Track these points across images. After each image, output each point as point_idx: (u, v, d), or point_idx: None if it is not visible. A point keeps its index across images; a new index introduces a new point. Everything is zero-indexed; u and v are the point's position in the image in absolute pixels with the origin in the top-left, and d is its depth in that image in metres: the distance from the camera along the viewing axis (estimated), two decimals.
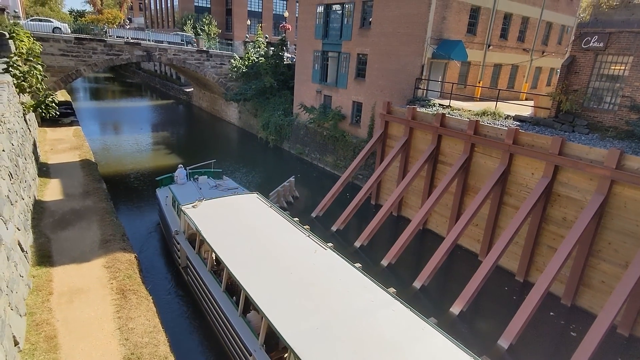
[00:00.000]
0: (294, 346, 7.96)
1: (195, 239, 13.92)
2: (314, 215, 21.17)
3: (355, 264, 11.03)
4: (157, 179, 19.29)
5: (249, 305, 10.60)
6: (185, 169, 18.37)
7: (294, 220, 13.52)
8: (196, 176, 18.02)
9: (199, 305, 13.36)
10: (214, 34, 52.21)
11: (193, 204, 14.20)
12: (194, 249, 13.79)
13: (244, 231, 12.62)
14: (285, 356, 9.92)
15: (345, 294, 9.68)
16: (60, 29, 32.91)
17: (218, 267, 12.79)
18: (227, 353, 11.28)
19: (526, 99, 25.45)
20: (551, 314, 14.46)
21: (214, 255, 12.52)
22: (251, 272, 10.47)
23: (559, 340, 13.53)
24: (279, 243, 11.98)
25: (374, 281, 10.27)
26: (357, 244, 18.32)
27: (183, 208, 14.08)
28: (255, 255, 11.24)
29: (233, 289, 11.52)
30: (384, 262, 16.77)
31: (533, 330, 13.53)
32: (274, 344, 9.87)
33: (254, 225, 13.06)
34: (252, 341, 9.99)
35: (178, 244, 14.71)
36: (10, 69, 19.56)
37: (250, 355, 9.71)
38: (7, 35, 22.85)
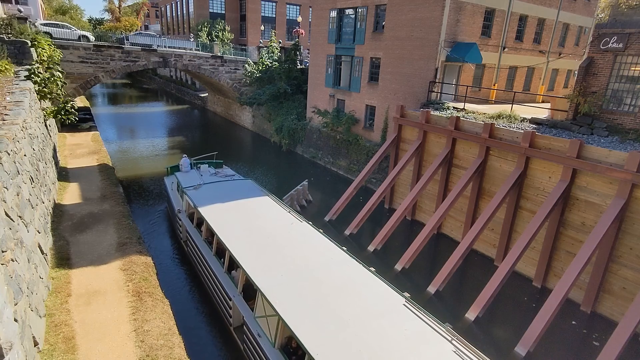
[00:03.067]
0: (260, 286, 10.18)
1: (194, 216, 16.11)
2: (327, 219, 21.15)
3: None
4: (165, 167, 21.93)
5: (232, 264, 12.66)
6: (190, 159, 20.43)
7: (279, 200, 16.03)
8: (199, 165, 20.26)
9: (196, 269, 15.46)
10: (228, 39, 52.83)
11: (194, 187, 16.83)
12: (193, 224, 16.01)
13: (234, 208, 15.01)
14: None
15: (311, 254, 11.87)
16: (87, 37, 33.69)
17: (211, 237, 14.49)
18: (214, 301, 13.67)
19: (543, 102, 25.06)
20: (573, 322, 14.11)
21: (207, 227, 14.40)
22: (236, 238, 12.69)
23: (579, 348, 13.20)
24: (262, 217, 14.34)
25: (338, 246, 12.38)
26: (371, 248, 18.23)
27: (184, 190, 16.65)
28: (241, 226, 13.55)
29: (221, 252, 13.46)
30: (398, 267, 16.63)
31: (552, 337, 13.23)
32: (252, 294, 11.43)
33: (243, 204, 15.45)
34: (233, 290, 12.14)
35: (180, 220, 16.96)
36: (32, 75, 20.09)
37: (230, 300, 11.92)
38: (29, 44, 23.51)
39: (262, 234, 13.02)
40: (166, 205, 21.29)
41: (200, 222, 15.52)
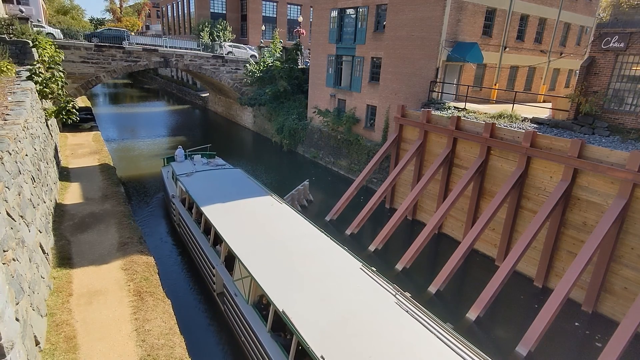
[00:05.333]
0: (238, 253, 11.79)
1: (186, 200, 17.70)
2: (328, 219, 21.15)
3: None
4: (162, 158, 23.81)
5: (217, 240, 14.16)
6: (185, 150, 22.19)
7: (263, 186, 17.56)
8: (192, 156, 22.07)
9: (186, 246, 17.04)
10: (229, 39, 52.84)
11: (186, 174, 18.55)
12: (185, 207, 17.62)
13: (221, 192, 16.61)
14: None
15: (286, 229, 13.54)
16: (53, 34, 33.42)
17: (200, 218, 15.92)
18: (201, 273, 15.30)
19: (544, 101, 25.02)
20: (576, 324, 14.08)
21: (197, 209, 15.84)
22: (221, 217, 14.27)
23: (580, 348, 13.18)
24: (246, 200, 15.93)
25: (311, 223, 14.06)
26: (372, 247, 18.22)
27: (178, 176, 18.35)
28: (226, 207, 15.14)
29: (208, 230, 15.02)
30: (399, 267, 16.63)
31: (553, 337, 13.21)
32: (232, 264, 12.66)
33: (230, 189, 17.00)
34: (217, 260, 13.77)
35: (174, 204, 18.44)
36: (33, 76, 20.11)
37: (214, 268, 13.55)
38: (31, 44, 23.54)
39: (244, 213, 14.73)
40: (162, 193, 22.83)
41: (191, 205, 17.05)
